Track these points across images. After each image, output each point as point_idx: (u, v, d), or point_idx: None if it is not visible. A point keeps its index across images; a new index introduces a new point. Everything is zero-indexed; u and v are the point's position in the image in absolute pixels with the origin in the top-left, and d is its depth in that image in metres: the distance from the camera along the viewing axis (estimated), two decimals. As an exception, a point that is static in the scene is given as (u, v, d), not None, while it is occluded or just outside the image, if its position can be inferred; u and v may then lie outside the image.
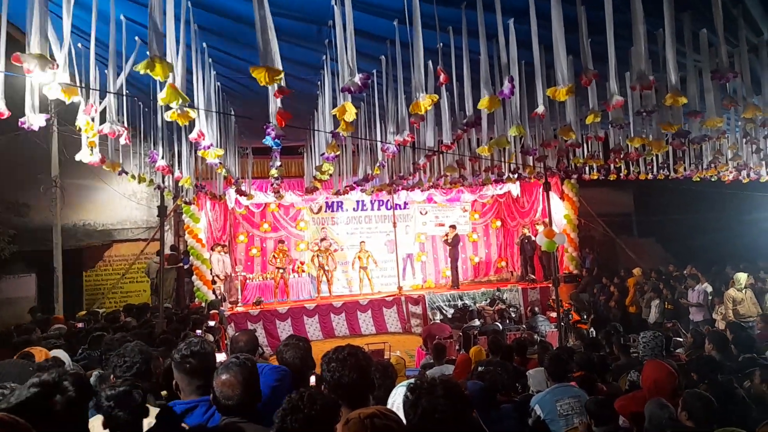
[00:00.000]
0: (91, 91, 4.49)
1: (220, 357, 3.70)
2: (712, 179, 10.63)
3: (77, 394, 1.83)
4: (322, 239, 14.25)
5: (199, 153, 5.28)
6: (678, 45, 4.84)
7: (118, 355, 3.11)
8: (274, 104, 3.47)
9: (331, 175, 7.99)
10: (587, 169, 10.82)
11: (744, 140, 7.94)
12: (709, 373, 4.26)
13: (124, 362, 3.03)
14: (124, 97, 4.87)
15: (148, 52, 3.21)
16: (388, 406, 2.78)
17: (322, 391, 2.30)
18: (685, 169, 9.91)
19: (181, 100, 3.35)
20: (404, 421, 1.92)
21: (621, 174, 10.91)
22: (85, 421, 1.94)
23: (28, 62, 3.16)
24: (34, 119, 3.97)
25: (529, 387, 4.96)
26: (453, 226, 14.73)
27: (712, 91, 5.51)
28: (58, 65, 3.36)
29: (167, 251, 12.96)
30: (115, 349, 3.33)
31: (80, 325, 8.05)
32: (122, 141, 4.59)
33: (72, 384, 1.84)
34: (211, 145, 4.98)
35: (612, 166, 10.43)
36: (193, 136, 4.52)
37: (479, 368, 4.77)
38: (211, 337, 7.82)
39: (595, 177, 11.22)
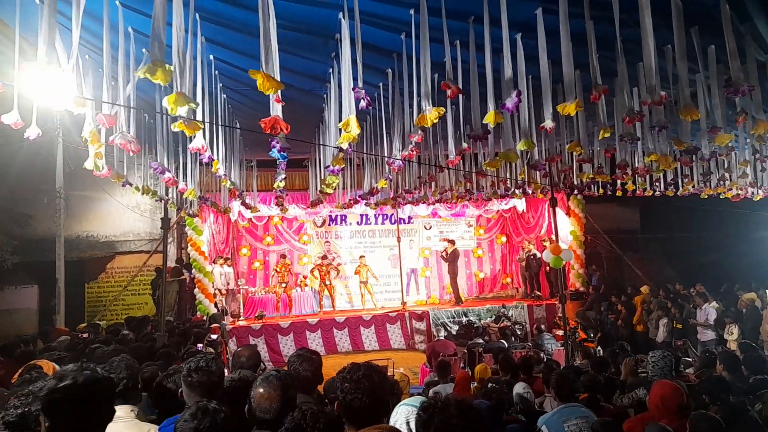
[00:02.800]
0: (104, 103, 4.48)
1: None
2: (721, 197, 10.55)
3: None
4: (323, 257, 14.13)
5: (209, 164, 5.24)
6: (688, 62, 4.82)
7: (104, 370, 3.04)
8: (278, 110, 3.44)
9: (335, 189, 7.94)
10: (594, 185, 10.76)
11: (755, 157, 7.87)
12: (720, 394, 4.16)
13: None
14: (131, 109, 4.84)
15: (149, 57, 3.19)
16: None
17: (324, 407, 2.23)
18: (693, 187, 9.82)
19: (187, 106, 3.30)
20: None
21: (628, 190, 10.83)
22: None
23: (36, 69, 3.16)
24: (34, 129, 3.97)
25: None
26: (452, 241, 14.51)
27: (720, 108, 5.47)
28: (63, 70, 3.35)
29: (173, 264, 12.95)
30: (106, 361, 3.24)
31: (85, 335, 8.02)
32: (130, 154, 4.56)
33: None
34: (211, 157, 4.94)
35: (619, 182, 10.37)
36: (193, 146, 4.49)
37: (489, 385, 4.67)
38: (212, 351, 7.73)
39: (602, 193, 11.16)
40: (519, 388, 4.89)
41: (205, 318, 11.50)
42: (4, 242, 11.72)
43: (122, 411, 2.69)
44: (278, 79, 3.30)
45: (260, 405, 2.26)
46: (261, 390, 2.29)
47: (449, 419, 1.80)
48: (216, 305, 12.41)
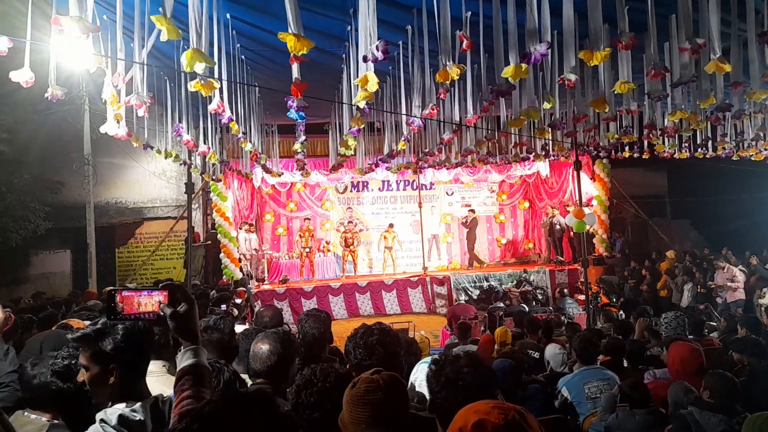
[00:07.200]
0: (117, 61, 4.48)
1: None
2: (753, 158, 10.15)
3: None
4: (348, 222, 14.23)
5: (229, 125, 5.22)
6: (722, 13, 4.56)
7: None
8: (296, 72, 3.39)
9: (355, 153, 7.88)
10: (620, 146, 10.43)
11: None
12: (752, 356, 4.11)
13: None
14: (147, 69, 4.82)
15: (160, 9, 3.16)
16: (411, 383, 2.74)
17: (333, 364, 2.27)
18: (725, 149, 9.44)
19: (204, 64, 3.28)
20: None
21: (656, 151, 10.47)
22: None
23: (67, 25, 3.15)
24: (57, 90, 3.98)
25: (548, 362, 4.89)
26: (472, 210, 14.66)
27: (757, 62, 5.20)
28: (99, 29, 3.33)
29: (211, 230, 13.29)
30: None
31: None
32: (140, 113, 4.57)
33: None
34: (230, 118, 4.92)
35: (646, 142, 10.02)
36: (212, 107, 4.47)
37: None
38: (236, 312, 7.94)
39: (628, 155, 10.83)
40: (554, 348, 4.91)
41: (230, 282, 11.75)
42: (37, 208, 12.04)
43: (155, 366, 2.79)
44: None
45: (256, 354, 2.30)
46: (262, 346, 2.32)
47: (460, 369, 1.83)
48: (241, 269, 12.65)
